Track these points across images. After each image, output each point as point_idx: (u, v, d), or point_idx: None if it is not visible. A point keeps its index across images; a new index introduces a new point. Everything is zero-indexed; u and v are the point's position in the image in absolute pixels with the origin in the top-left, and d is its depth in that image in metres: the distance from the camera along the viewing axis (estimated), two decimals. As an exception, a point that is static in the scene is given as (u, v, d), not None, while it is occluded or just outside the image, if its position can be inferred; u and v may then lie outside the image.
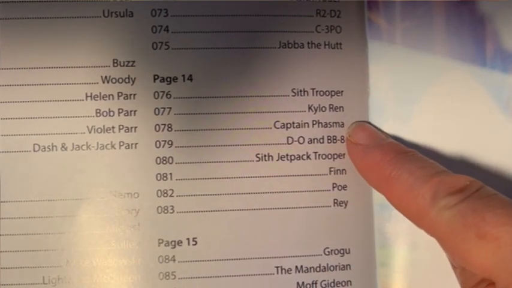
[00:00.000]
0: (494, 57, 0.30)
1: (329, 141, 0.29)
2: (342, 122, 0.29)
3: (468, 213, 0.23)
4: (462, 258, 0.23)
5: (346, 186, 0.29)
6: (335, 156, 0.29)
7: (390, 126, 0.29)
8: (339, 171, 0.29)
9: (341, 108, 0.29)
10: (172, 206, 0.28)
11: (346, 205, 0.29)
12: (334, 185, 0.29)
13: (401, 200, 0.25)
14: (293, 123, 0.28)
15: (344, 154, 0.29)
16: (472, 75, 0.30)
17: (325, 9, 0.29)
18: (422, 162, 0.26)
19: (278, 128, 0.28)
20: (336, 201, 0.29)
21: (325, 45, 0.29)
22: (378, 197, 0.29)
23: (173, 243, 0.28)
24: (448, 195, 0.24)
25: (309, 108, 0.29)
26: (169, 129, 0.28)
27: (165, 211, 0.28)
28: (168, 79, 0.28)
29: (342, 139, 0.29)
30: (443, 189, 0.24)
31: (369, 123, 0.29)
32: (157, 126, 0.28)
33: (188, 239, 0.28)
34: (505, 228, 0.22)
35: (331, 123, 0.29)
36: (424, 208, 0.24)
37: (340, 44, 0.29)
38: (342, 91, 0.29)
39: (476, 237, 0.22)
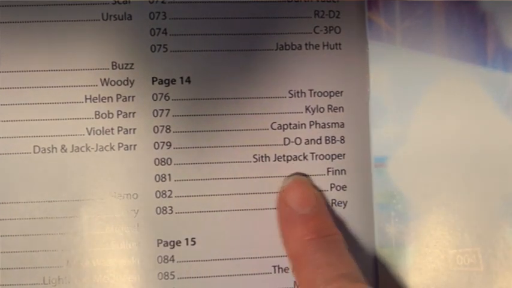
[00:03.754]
0: (496, 56, 0.30)
1: (327, 141, 0.29)
2: (341, 123, 0.29)
3: None
4: None
5: (346, 187, 0.29)
6: (333, 156, 0.29)
7: (390, 126, 0.29)
8: (337, 172, 0.29)
9: (340, 109, 0.29)
10: (171, 207, 0.28)
11: (345, 205, 0.29)
12: (333, 185, 0.29)
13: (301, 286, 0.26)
14: (290, 124, 0.29)
15: (344, 154, 0.29)
16: (473, 75, 0.30)
17: (324, 10, 0.29)
18: (334, 256, 0.26)
19: (275, 129, 0.29)
20: (334, 201, 0.29)
21: (323, 45, 0.29)
22: (378, 197, 0.29)
23: (172, 243, 0.28)
24: None
25: (306, 109, 0.29)
26: (168, 130, 0.28)
27: (164, 212, 0.28)
28: (167, 81, 0.28)
29: (342, 139, 0.29)
30: None
31: (306, 175, 0.29)
32: (155, 128, 0.28)
33: (187, 239, 0.28)
34: None
35: (329, 124, 0.29)
36: None
37: (340, 44, 0.29)
38: (342, 91, 0.29)
39: None
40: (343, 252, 0.26)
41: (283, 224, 0.28)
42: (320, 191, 0.29)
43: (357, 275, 0.25)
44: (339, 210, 0.29)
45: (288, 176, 0.29)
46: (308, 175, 0.29)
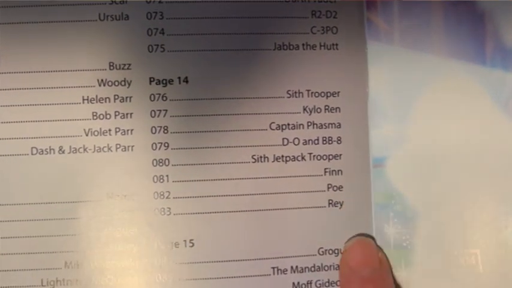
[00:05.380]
0: (495, 55, 0.30)
1: (324, 142, 0.29)
2: (338, 123, 0.29)
3: None
4: None
5: (342, 187, 0.29)
6: (330, 157, 0.29)
7: (389, 126, 0.29)
8: (334, 172, 0.29)
9: (337, 109, 0.29)
10: (169, 208, 0.28)
11: (341, 205, 0.29)
12: (329, 186, 0.29)
13: None
14: (288, 124, 0.29)
15: (340, 155, 0.29)
16: (471, 74, 0.30)
17: (321, 10, 0.29)
18: None
19: (274, 130, 0.29)
20: (330, 201, 0.29)
21: (320, 46, 0.29)
22: (376, 197, 0.29)
23: (170, 244, 0.28)
24: None
25: (304, 109, 0.29)
26: (165, 131, 0.28)
27: (162, 213, 0.28)
28: (164, 81, 0.28)
29: (339, 140, 0.29)
30: None
31: (372, 237, 0.29)
32: (153, 129, 0.28)
33: (185, 240, 0.28)
34: None
35: (326, 124, 0.29)
36: None
37: (337, 44, 0.29)
38: (339, 92, 0.29)
39: None
40: None
41: (342, 284, 0.28)
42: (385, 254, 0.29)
43: None
44: (334, 210, 0.29)
45: (351, 237, 0.29)
46: (372, 237, 0.29)
